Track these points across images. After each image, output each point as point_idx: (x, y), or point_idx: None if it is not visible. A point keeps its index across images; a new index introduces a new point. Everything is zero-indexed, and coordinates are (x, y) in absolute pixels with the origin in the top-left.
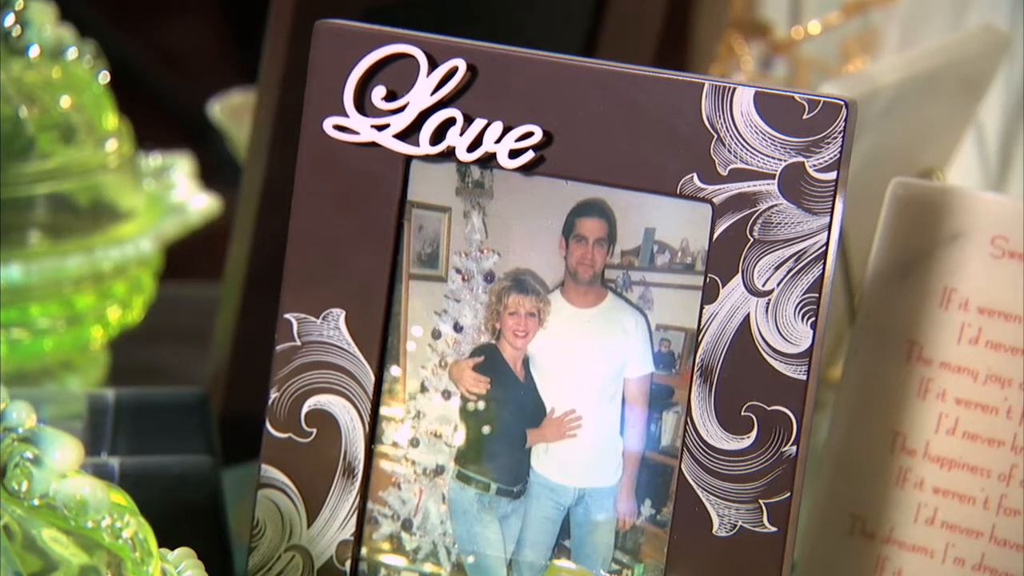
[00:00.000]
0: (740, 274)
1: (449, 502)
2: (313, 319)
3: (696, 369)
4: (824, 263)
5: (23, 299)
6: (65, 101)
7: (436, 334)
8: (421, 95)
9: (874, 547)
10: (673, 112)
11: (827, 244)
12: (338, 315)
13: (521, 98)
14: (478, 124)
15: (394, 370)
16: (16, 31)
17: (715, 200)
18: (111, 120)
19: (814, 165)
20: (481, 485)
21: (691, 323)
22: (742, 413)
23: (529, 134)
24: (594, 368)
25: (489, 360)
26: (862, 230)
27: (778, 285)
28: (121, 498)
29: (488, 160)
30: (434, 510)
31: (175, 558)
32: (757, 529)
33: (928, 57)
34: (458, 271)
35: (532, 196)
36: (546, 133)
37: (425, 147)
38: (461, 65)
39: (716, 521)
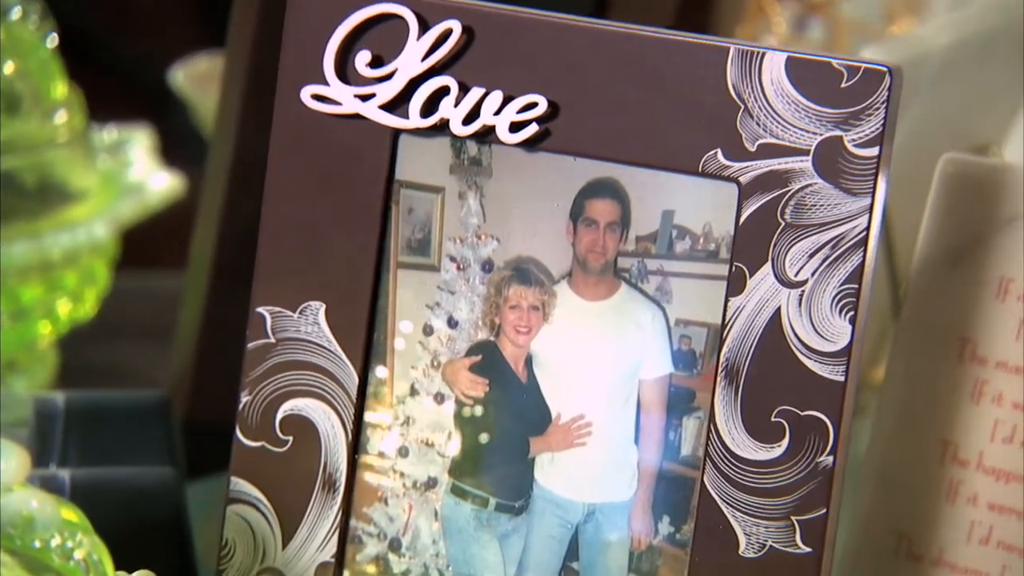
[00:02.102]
0: (770, 262)
1: (442, 519)
2: (289, 313)
3: (720, 369)
4: (864, 250)
5: None
6: (8, 67)
7: (428, 330)
8: (411, 61)
9: (921, 570)
10: (695, 80)
11: (868, 228)
12: (317, 309)
13: (523, 64)
14: (475, 94)
15: (380, 371)
16: None
17: (742, 179)
18: (60, 89)
19: (853, 140)
20: (478, 500)
21: (715, 318)
22: (772, 419)
23: (532, 105)
24: (605, 368)
25: (487, 359)
26: (908, 213)
27: (813, 275)
28: (72, 515)
29: (486, 134)
30: (425, 528)
31: None
32: (789, 549)
33: (982, 17)
34: (452, 259)
35: (536, 175)
36: (551, 104)
37: (415, 119)
38: (456, 27)
39: (743, 540)
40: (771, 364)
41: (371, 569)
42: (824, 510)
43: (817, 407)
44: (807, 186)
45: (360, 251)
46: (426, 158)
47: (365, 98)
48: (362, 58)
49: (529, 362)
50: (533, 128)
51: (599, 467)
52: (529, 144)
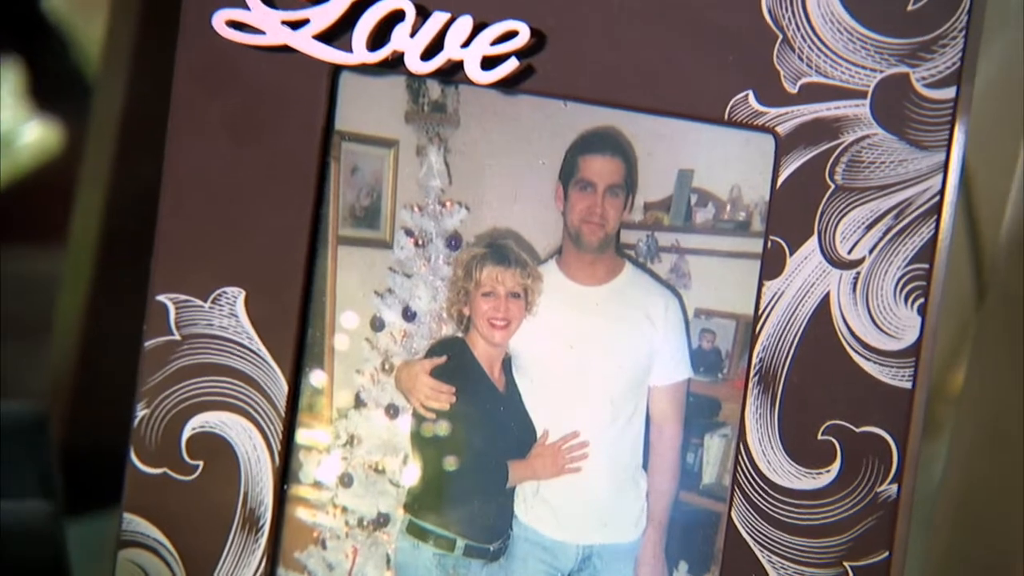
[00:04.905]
0: (816, 236)
1: (396, 566)
2: (198, 303)
3: (753, 374)
4: (937, 220)
5: None
6: None
7: (377, 324)
8: None
9: None
10: (720, 3)
11: (942, 192)
12: (234, 297)
13: None
14: (437, 20)
15: (316, 376)
16: None
17: (780, 129)
18: None
19: (923, 78)
20: (442, 542)
21: (745, 307)
22: (819, 437)
23: (511, 34)
24: (605, 373)
25: (454, 361)
26: (993, 173)
27: (871, 252)
28: None
29: (452, 72)
30: None
31: None
32: None
33: None
34: (409, 233)
35: (516, 124)
36: (535, 33)
37: (360, 53)
38: None
39: None
40: (817, 367)
41: None
42: (886, 553)
43: (877, 422)
44: (864, 137)
45: (289, 222)
46: (375, 103)
47: (296, 25)
48: None
49: (507, 365)
50: (512, 64)
51: (597, 499)
52: (507, 84)
